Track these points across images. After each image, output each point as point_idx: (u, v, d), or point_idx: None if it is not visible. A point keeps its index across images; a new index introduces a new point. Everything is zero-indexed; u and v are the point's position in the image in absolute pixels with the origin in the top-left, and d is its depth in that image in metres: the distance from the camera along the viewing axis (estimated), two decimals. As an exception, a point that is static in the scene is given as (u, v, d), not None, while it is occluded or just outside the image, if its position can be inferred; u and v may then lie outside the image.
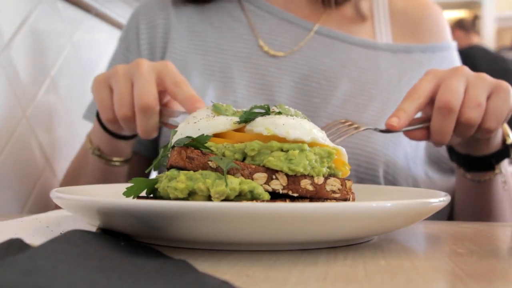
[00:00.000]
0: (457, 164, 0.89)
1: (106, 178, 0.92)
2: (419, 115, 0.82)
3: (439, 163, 1.00)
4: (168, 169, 0.55)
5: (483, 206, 0.89)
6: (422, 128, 0.78)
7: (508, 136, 0.83)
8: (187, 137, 0.54)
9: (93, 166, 0.92)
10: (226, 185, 0.50)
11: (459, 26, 3.98)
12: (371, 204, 0.47)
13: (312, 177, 0.53)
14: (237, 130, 0.58)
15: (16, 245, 0.42)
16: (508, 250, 0.53)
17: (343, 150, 0.59)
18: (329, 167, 0.55)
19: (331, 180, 0.55)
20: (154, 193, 0.58)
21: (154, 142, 1.03)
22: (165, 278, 0.36)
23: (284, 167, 0.52)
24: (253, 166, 0.52)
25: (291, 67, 1.00)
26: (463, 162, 0.86)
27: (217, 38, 1.03)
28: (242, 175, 0.52)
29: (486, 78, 0.76)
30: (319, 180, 0.54)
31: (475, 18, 4.61)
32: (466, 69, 0.77)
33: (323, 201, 0.54)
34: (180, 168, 0.54)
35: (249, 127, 0.57)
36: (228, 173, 0.52)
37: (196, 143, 0.54)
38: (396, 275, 0.41)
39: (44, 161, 1.08)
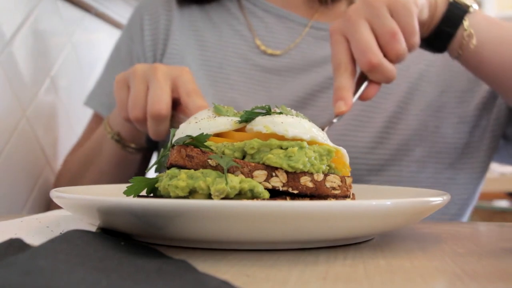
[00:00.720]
0: (428, 51, 0.87)
1: (121, 164, 0.96)
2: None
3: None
4: (168, 168, 0.55)
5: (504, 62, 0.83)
6: (367, 85, 0.77)
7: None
8: (186, 136, 0.54)
9: (110, 151, 0.96)
10: (226, 183, 0.50)
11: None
12: (371, 203, 0.47)
13: (311, 174, 0.53)
14: (238, 130, 0.58)
15: (16, 245, 0.42)
16: (508, 250, 0.53)
17: (344, 150, 0.59)
18: (329, 167, 0.55)
19: (331, 177, 0.54)
20: (154, 192, 0.58)
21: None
22: (165, 278, 0.36)
23: (283, 164, 0.52)
24: (253, 164, 0.52)
25: (288, 63, 1.02)
26: (429, 49, 0.85)
27: (216, 35, 1.05)
28: (242, 173, 0.52)
29: (374, 4, 0.74)
30: (319, 177, 0.53)
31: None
32: (354, 8, 0.75)
33: (323, 198, 0.54)
34: (180, 167, 0.54)
35: (249, 126, 0.57)
36: (228, 171, 0.52)
37: (195, 142, 0.54)
38: (396, 275, 0.41)
39: (44, 161, 1.08)
